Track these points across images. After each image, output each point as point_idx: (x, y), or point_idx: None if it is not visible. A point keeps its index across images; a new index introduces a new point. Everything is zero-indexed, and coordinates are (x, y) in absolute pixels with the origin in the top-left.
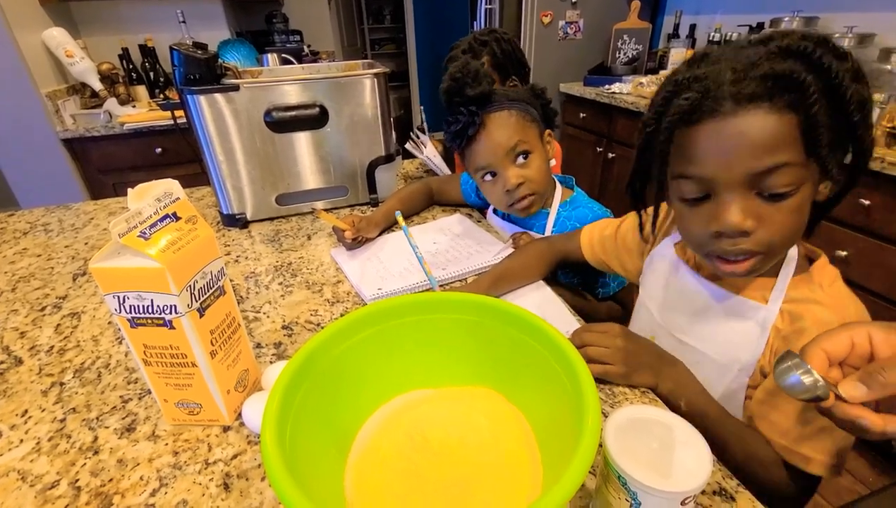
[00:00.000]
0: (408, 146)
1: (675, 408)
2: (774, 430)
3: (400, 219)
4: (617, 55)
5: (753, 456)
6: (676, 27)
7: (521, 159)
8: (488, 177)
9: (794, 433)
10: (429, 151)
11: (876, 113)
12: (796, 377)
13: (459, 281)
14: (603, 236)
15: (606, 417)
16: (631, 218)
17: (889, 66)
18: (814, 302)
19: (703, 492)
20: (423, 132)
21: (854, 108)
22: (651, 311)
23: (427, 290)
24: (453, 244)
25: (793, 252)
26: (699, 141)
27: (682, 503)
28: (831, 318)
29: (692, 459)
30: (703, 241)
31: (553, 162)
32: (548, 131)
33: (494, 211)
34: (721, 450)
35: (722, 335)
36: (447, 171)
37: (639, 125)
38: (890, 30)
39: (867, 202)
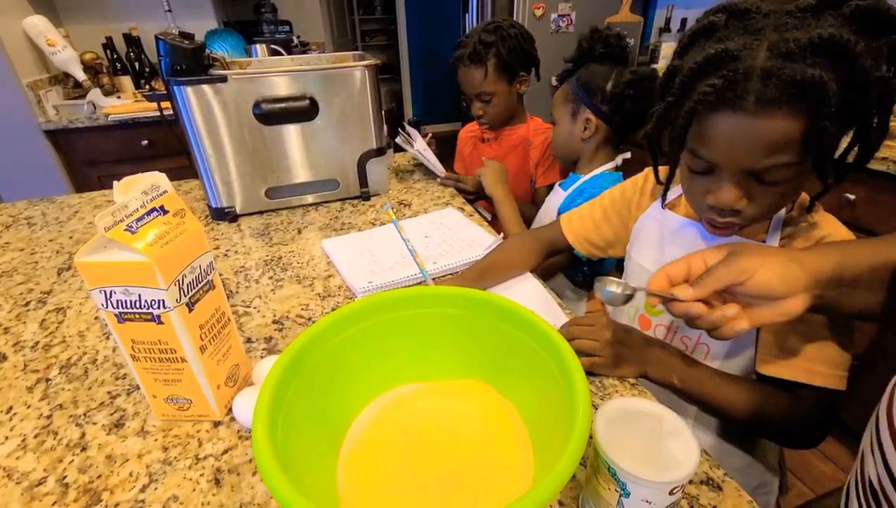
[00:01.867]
0: (398, 140)
1: (669, 387)
2: (787, 365)
3: (390, 212)
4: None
5: (761, 406)
6: (668, 21)
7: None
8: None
9: (808, 357)
10: (419, 145)
11: None
12: (607, 289)
13: (452, 274)
14: (581, 214)
15: (597, 409)
16: (608, 193)
17: None
18: (810, 227)
19: (690, 482)
20: (417, 127)
21: (872, 111)
22: (649, 270)
23: (419, 284)
24: (445, 238)
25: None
26: (715, 126)
27: (671, 492)
28: (830, 231)
29: (680, 449)
30: (700, 205)
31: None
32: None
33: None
34: (725, 412)
35: None
36: (439, 166)
37: (660, 81)
38: None
39: (852, 197)
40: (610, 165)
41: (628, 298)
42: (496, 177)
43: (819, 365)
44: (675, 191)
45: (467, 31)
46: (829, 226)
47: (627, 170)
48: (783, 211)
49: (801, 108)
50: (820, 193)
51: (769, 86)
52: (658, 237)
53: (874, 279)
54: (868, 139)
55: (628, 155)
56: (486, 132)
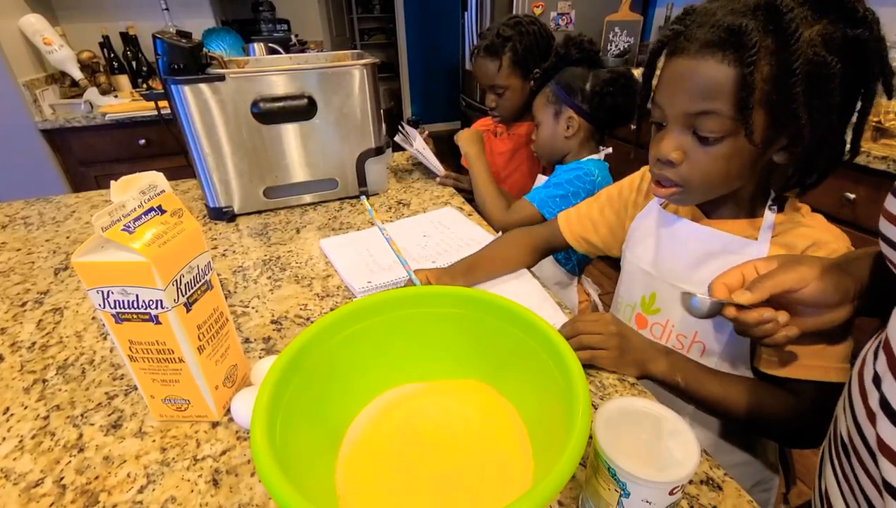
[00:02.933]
0: (397, 138)
1: (672, 388)
2: (786, 362)
3: (365, 202)
4: (608, 47)
5: (762, 404)
6: (668, 19)
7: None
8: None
9: (808, 353)
10: (418, 144)
11: None
12: (695, 299)
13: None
14: (580, 213)
15: (596, 409)
16: (605, 192)
17: None
18: (802, 226)
19: (690, 482)
20: (415, 126)
21: (798, 81)
22: (645, 269)
23: (407, 284)
24: (444, 237)
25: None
26: (666, 71)
27: (671, 492)
28: (821, 236)
29: (680, 449)
30: (651, 163)
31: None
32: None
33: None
34: (727, 411)
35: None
36: (438, 165)
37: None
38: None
39: (853, 196)
40: (594, 157)
41: (712, 314)
42: (471, 138)
43: (817, 360)
44: None
45: (466, 29)
46: (818, 226)
47: (610, 164)
48: (772, 213)
49: (732, 57)
50: (789, 186)
51: (710, 31)
52: (653, 236)
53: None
54: (801, 131)
55: (610, 150)
56: (499, 126)
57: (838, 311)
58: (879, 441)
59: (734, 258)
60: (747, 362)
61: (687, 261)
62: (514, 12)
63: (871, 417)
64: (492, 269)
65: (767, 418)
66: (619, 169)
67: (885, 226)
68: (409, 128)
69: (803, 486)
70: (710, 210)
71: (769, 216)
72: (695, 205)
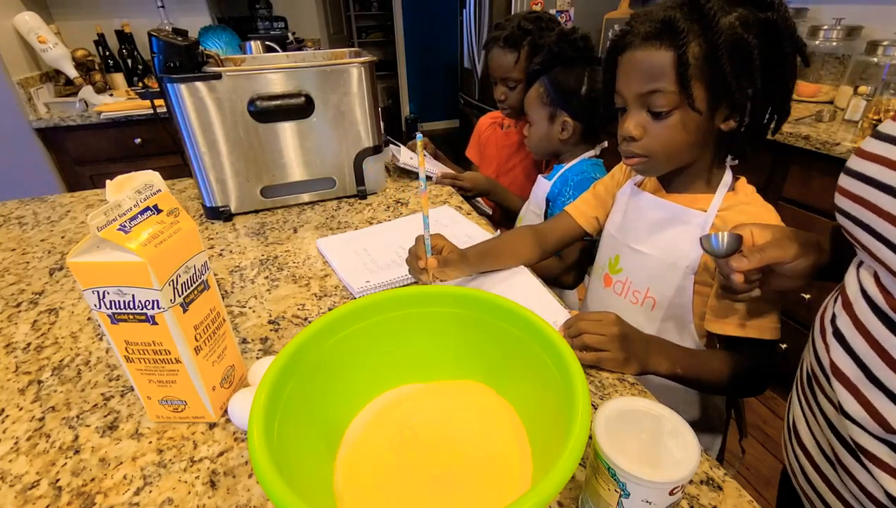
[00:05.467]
0: (391, 154)
1: (673, 377)
2: (735, 323)
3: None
4: (608, 45)
5: (733, 368)
6: None
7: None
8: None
9: (747, 317)
10: (404, 158)
11: (862, 105)
12: (715, 237)
13: None
14: (586, 199)
15: (596, 409)
16: (601, 180)
17: (875, 59)
18: (743, 204)
19: (690, 482)
20: (415, 125)
21: (724, 54)
22: (613, 234)
23: (411, 284)
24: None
25: (727, 177)
26: (620, 64)
27: (671, 493)
28: (758, 211)
29: (680, 449)
30: (619, 142)
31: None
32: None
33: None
34: (714, 385)
35: (672, 240)
36: (434, 170)
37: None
38: (877, 22)
39: None
40: (591, 153)
41: (728, 254)
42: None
43: (760, 321)
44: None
45: (464, 27)
46: (754, 202)
47: (605, 158)
48: (727, 180)
49: (668, 43)
50: (744, 151)
51: (649, 27)
52: (624, 207)
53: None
54: (735, 99)
55: (605, 144)
56: (506, 119)
57: (805, 279)
58: (833, 365)
59: (685, 227)
60: (689, 313)
61: (645, 228)
62: (512, 10)
63: (827, 349)
64: (500, 261)
65: (736, 378)
66: (616, 162)
67: (839, 200)
68: (392, 146)
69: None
70: (669, 185)
71: (721, 192)
72: (658, 181)
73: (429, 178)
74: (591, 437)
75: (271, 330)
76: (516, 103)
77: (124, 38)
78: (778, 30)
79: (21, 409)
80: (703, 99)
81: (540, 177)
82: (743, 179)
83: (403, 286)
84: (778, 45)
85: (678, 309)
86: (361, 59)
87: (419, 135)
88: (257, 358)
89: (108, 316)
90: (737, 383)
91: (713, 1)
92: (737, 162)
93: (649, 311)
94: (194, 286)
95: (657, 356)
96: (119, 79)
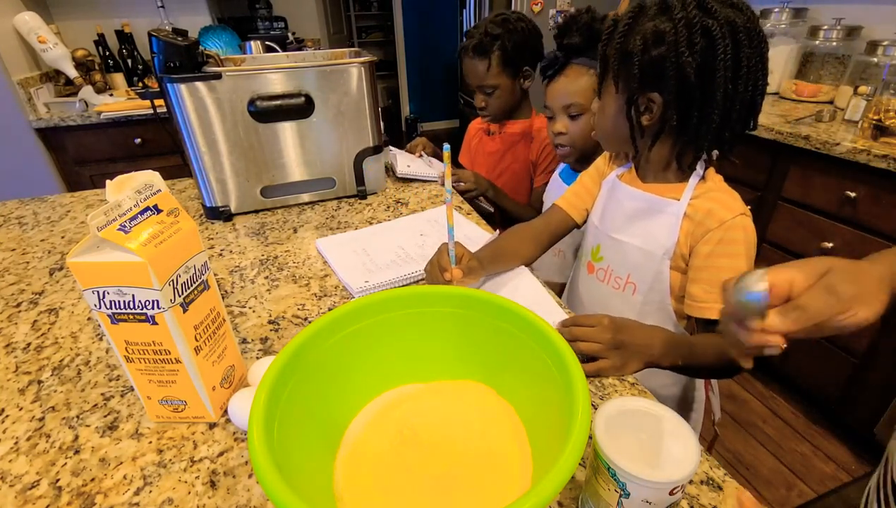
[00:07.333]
0: (389, 161)
1: (674, 368)
2: (713, 309)
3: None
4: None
5: (722, 350)
6: None
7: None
8: (548, 114)
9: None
10: (401, 167)
11: (862, 105)
12: (759, 296)
13: None
14: (575, 191)
15: (596, 409)
16: (585, 172)
17: (875, 59)
18: (712, 191)
19: (690, 482)
20: (414, 125)
21: (616, 62)
22: (595, 224)
23: (419, 281)
24: (442, 236)
25: (699, 168)
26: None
27: (671, 492)
28: (724, 197)
29: (680, 449)
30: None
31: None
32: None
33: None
34: (708, 369)
35: (648, 228)
36: (432, 172)
37: None
38: (877, 22)
39: (853, 194)
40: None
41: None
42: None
43: None
44: (628, 165)
45: (465, 27)
46: (720, 189)
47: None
48: (699, 170)
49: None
50: (701, 146)
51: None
52: (605, 198)
53: None
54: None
55: None
56: (491, 124)
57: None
58: None
59: (659, 215)
60: (667, 297)
61: (623, 218)
62: (512, 9)
63: None
64: (506, 262)
65: (719, 362)
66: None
67: None
68: (390, 155)
69: (804, 486)
70: (644, 177)
71: (692, 182)
72: (634, 173)
73: (434, 182)
74: (591, 437)
75: (271, 330)
76: (497, 109)
77: (124, 38)
78: (677, 38)
79: (21, 409)
80: (612, 97)
81: (556, 176)
82: (712, 169)
83: (403, 286)
84: (677, 51)
85: (657, 293)
86: (361, 59)
87: (446, 146)
88: (257, 358)
89: (108, 316)
90: (722, 366)
91: (623, 33)
92: (715, 156)
93: (630, 296)
94: (194, 286)
95: (657, 352)
96: (119, 79)
